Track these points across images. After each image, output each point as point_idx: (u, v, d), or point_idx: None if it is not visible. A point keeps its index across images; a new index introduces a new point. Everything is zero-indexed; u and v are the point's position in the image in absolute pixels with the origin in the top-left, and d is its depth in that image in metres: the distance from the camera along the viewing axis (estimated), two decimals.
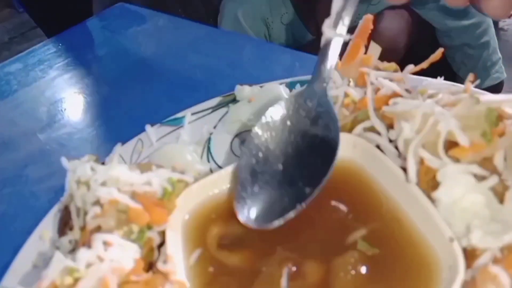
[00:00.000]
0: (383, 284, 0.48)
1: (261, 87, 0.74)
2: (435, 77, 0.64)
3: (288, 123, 0.57)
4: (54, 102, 0.98)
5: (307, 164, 0.55)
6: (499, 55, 1.67)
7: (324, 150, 0.54)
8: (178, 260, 0.50)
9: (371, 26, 0.64)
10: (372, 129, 0.57)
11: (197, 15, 1.86)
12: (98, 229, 0.50)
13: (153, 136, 0.73)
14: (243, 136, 0.71)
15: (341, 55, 0.61)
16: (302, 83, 0.74)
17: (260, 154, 0.56)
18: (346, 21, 0.58)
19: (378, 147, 0.56)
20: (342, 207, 0.54)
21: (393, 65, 0.63)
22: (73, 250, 0.53)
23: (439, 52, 0.60)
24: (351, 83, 0.63)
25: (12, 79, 1.07)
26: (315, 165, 0.54)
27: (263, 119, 0.57)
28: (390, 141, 0.55)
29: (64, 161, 0.57)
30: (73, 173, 0.56)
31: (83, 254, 0.46)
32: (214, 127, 0.74)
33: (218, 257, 0.52)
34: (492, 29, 1.63)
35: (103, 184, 0.54)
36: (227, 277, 0.50)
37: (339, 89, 0.62)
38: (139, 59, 1.07)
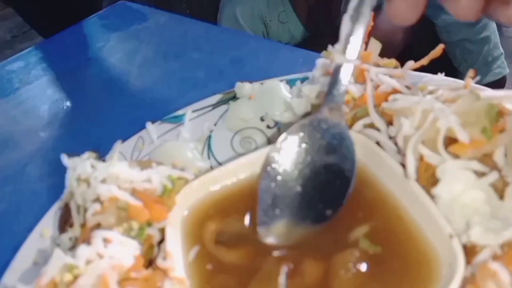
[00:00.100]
0: (383, 281, 0.47)
1: (261, 84, 0.74)
2: (437, 73, 0.63)
3: (304, 145, 0.57)
4: (55, 100, 0.98)
5: (325, 185, 0.55)
6: (501, 50, 1.66)
7: (341, 170, 0.54)
8: (177, 257, 0.50)
9: (371, 23, 0.64)
10: (371, 126, 0.57)
11: (202, 11, 1.86)
12: (98, 226, 0.50)
13: (153, 133, 0.73)
14: (243, 133, 0.71)
15: None
16: (302, 80, 0.74)
17: (279, 178, 0.56)
18: (355, 44, 0.59)
19: (378, 143, 0.56)
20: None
21: (393, 61, 0.63)
22: (73, 247, 0.53)
23: (439, 49, 0.59)
24: (351, 80, 0.63)
25: (14, 77, 1.07)
26: (333, 186, 0.54)
27: (278, 143, 0.57)
28: (390, 137, 0.55)
29: (64, 158, 0.57)
30: (73, 170, 0.56)
31: (83, 251, 0.47)
32: (215, 124, 0.73)
33: (216, 254, 0.52)
34: (493, 24, 1.62)
35: (103, 181, 0.54)
36: (225, 274, 0.50)
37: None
38: (140, 57, 1.07)
